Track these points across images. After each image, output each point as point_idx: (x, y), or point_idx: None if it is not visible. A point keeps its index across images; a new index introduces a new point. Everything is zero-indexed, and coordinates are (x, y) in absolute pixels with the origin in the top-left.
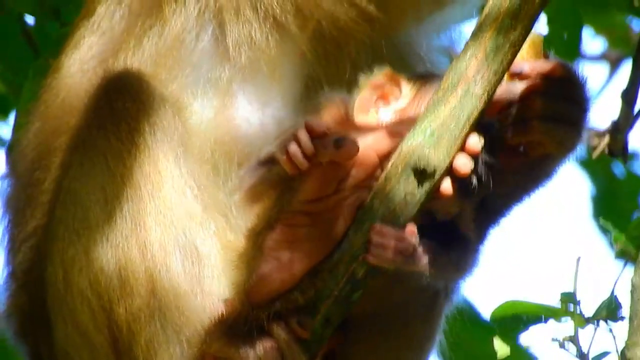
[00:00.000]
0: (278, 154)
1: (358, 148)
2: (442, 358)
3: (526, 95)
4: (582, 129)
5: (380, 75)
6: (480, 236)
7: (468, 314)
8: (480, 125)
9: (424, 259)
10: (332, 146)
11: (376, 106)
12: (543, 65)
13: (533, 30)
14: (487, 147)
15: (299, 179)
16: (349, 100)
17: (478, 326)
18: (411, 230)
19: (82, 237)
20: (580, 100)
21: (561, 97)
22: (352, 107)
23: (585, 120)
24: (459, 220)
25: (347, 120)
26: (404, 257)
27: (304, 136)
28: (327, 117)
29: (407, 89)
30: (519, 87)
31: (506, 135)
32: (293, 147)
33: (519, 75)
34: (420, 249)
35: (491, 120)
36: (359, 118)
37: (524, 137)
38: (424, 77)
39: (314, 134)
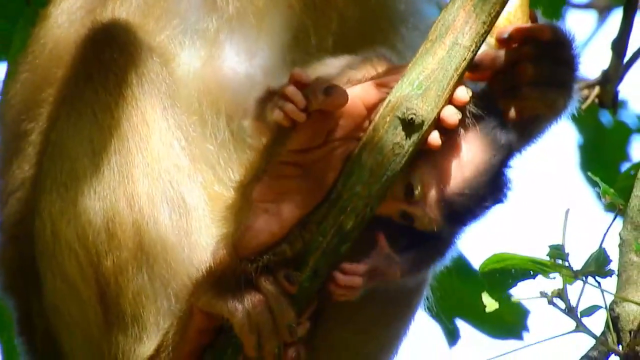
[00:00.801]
0: (273, 113)
1: (347, 96)
2: (429, 313)
3: (515, 61)
4: (572, 88)
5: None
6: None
7: (458, 266)
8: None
9: (396, 272)
10: (322, 94)
11: None
12: (530, 29)
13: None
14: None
15: (289, 129)
16: (389, 58)
17: (468, 279)
18: (382, 244)
19: (70, 189)
20: (570, 61)
21: (550, 60)
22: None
23: (575, 79)
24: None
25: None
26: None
27: (294, 90)
28: (363, 73)
29: None
30: (507, 53)
31: (497, 99)
32: (289, 106)
33: (506, 41)
34: (391, 264)
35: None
36: None
37: (516, 102)
38: None
39: (301, 85)
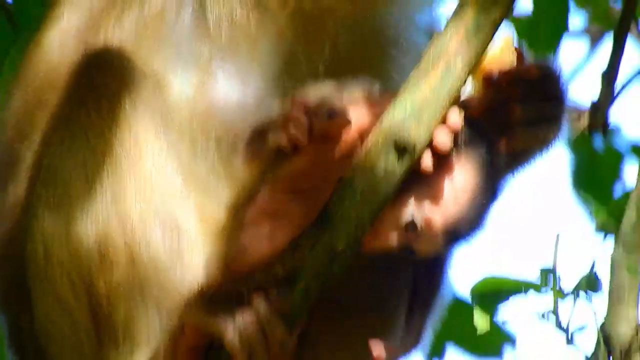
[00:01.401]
0: (274, 135)
1: (350, 119)
2: None
3: (504, 103)
4: (562, 121)
5: None
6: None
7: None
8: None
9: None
10: (326, 117)
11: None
12: (517, 72)
13: (501, 33)
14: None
15: (286, 154)
16: (375, 91)
17: (456, 303)
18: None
19: (63, 213)
20: (558, 94)
21: (539, 97)
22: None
23: (565, 112)
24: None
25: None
26: None
27: (298, 113)
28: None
29: None
30: (495, 94)
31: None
32: (292, 129)
33: (493, 84)
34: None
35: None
36: None
37: (507, 141)
38: None
39: (304, 109)
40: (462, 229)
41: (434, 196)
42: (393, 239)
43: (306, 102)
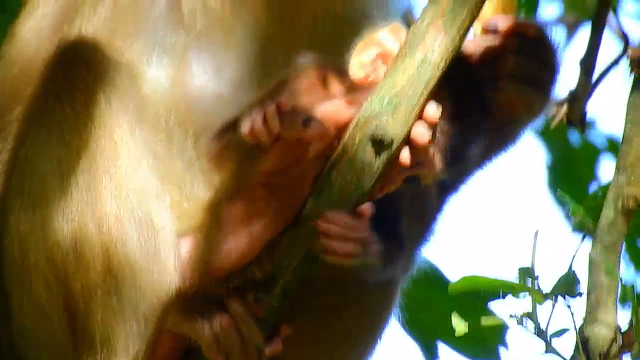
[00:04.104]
0: (241, 127)
1: (325, 128)
2: (409, 332)
3: (499, 52)
4: (550, 93)
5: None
6: (438, 206)
7: (436, 284)
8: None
9: (375, 248)
10: (301, 124)
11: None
12: (517, 23)
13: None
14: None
15: (261, 151)
16: (328, 65)
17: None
18: (364, 211)
19: (38, 210)
20: (552, 65)
21: (534, 58)
22: (332, 70)
23: (554, 85)
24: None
25: (323, 85)
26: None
27: (271, 113)
28: (304, 81)
29: None
30: (491, 42)
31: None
32: (258, 123)
33: (492, 32)
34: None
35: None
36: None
37: (494, 95)
38: None
39: (281, 112)
40: (463, 140)
41: None
42: (396, 175)
43: (280, 107)
